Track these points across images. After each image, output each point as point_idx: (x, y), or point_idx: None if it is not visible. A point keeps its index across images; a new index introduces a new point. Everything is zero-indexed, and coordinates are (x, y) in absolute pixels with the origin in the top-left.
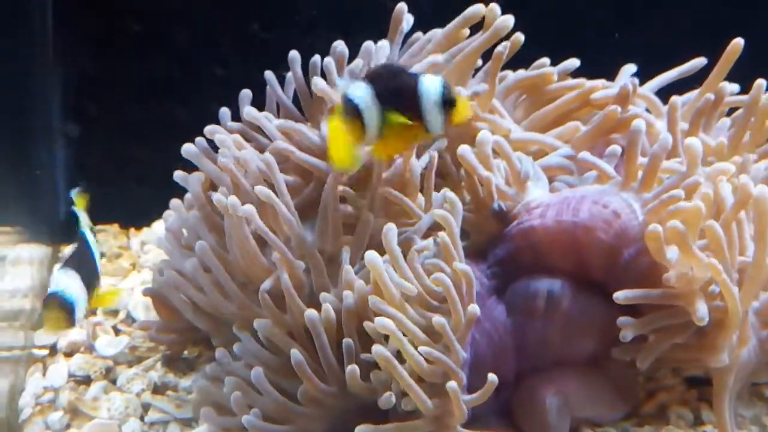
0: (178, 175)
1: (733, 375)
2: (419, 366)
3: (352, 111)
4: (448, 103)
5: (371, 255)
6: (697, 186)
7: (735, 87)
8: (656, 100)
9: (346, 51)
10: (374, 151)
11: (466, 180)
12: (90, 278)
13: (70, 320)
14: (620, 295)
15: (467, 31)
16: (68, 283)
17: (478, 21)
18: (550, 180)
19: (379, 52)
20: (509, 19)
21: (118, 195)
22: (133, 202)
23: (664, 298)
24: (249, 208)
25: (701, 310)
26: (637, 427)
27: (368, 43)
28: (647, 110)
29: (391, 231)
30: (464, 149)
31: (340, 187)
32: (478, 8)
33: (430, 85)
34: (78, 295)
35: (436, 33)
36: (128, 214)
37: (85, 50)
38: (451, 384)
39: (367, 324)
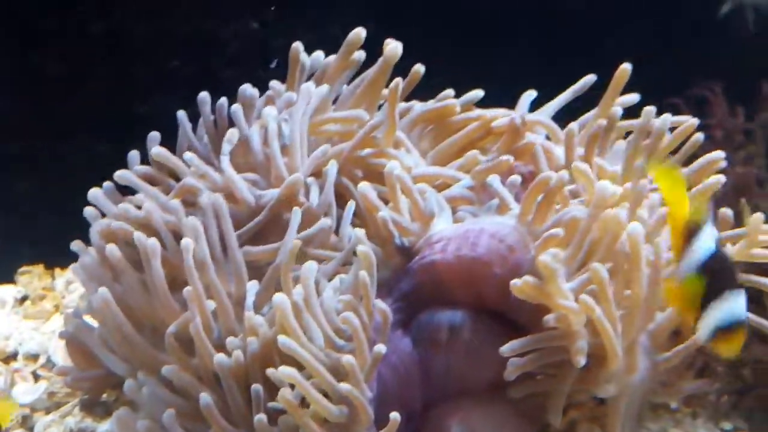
0: (88, 211)
1: (623, 401)
2: (326, 410)
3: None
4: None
5: (280, 298)
6: (576, 222)
7: (634, 97)
8: (553, 125)
9: (256, 93)
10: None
11: (368, 217)
12: None
13: None
14: (505, 349)
15: (360, 56)
16: None
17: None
18: (454, 210)
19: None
20: (398, 47)
21: (43, 234)
22: (59, 240)
23: (546, 341)
24: (187, 242)
25: (578, 354)
26: None
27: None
28: (547, 137)
29: (309, 270)
30: (365, 188)
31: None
32: (357, 32)
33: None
34: None
35: (328, 63)
36: (53, 253)
37: (4, 90)
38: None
39: (270, 371)
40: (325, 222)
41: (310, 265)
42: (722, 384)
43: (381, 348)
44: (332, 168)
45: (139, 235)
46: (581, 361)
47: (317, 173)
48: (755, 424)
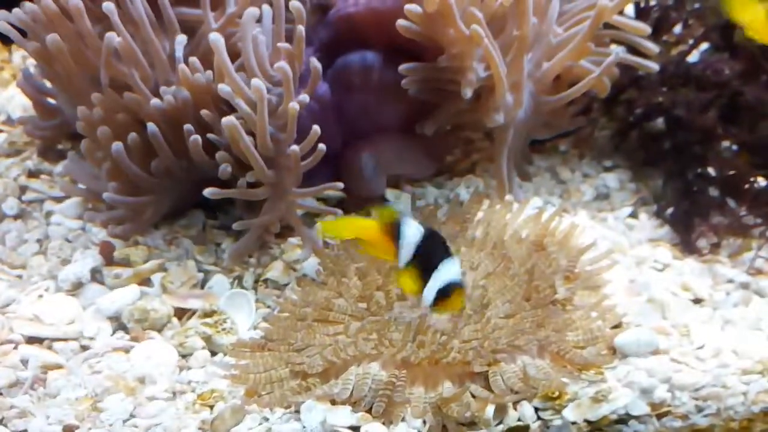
0: None
1: (510, 132)
2: (263, 138)
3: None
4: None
5: (215, 37)
6: None
7: None
8: None
9: None
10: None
11: None
12: None
13: None
14: (402, 68)
15: None
16: None
17: None
18: None
19: None
20: None
21: None
22: None
23: (442, 72)
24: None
25: (468, 86)
26: (449, 180)
27: None
28: None
29: (251, 15)
30: None
31: None
32: None
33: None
34: None
35: None
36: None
37: None
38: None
39: (204, 112)
40: None
41: (252, 11)
42: (600, 124)
43: (305, 98)
44: None
45: None
46: (468, 92)
47: None
48: (635, 162)
